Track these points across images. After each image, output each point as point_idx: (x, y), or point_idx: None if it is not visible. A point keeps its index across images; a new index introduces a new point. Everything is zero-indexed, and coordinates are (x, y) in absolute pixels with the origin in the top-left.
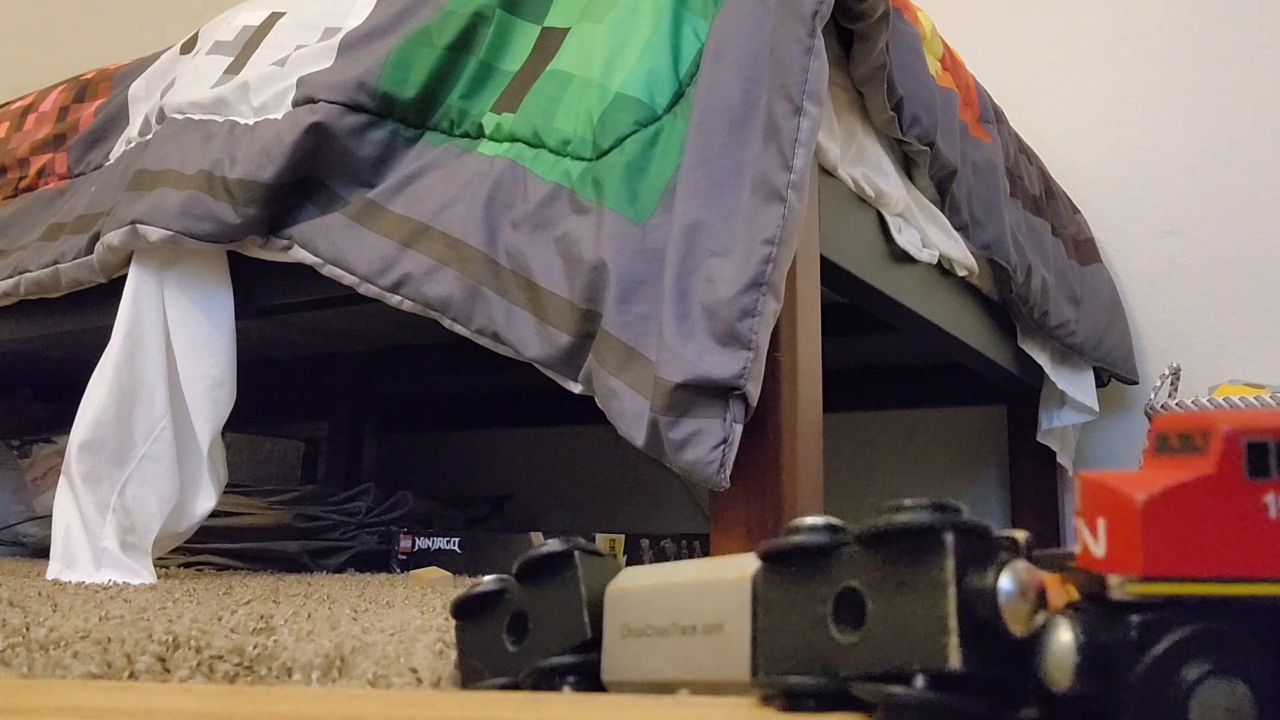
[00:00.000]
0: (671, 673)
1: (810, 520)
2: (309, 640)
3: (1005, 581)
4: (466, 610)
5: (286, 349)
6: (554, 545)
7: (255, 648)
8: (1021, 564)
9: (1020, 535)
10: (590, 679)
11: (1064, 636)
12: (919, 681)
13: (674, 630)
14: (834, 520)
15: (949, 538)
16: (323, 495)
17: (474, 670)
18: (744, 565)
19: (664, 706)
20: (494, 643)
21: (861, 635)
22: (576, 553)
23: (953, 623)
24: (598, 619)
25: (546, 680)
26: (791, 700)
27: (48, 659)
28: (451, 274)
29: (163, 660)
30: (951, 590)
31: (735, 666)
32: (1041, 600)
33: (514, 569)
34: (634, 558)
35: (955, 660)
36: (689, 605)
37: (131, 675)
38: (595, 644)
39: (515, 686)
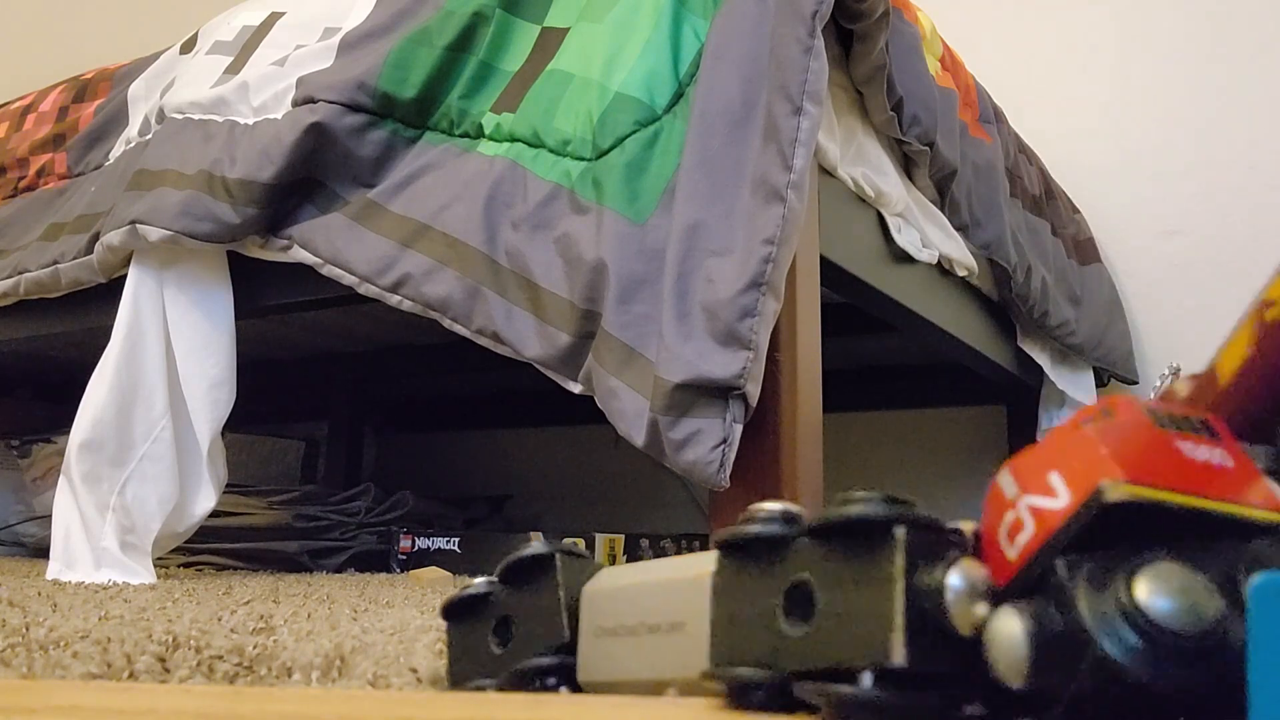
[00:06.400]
0: (640, 672)
1: (768, 507)
2: (309, 640)
3: (954, 578)
4: (456, 613)
5: (286, 349)
6: (535, 548)
7: (255, 648)
8: (971, 561)
9: (967, 527)
10: (569, 680)
11: (1012, 626)
12: (866, 679)
13: (642, 629)
14: (792, 508)
15: (900, 531)
16: (322, 495)
17: (463, 673)
18: (708, 563)
19: (663, 708)
20: (481, 645)
21: (810, 629)
22: (557, 555)
23: (899, 619)
24: (577, 621)
25: (526, 682)
26: (739, 694)
27: (48, 659)
28: (451, 274)
29: (162, 660)
30: (900, 585)
31: (698, 664)
32: (992, 598)
33: (497, 572)
34: (634, 558)
35: (899, 657)
36: (655, 604)
37: (131, 675)
38: (574, 646)
39: (498, 688)
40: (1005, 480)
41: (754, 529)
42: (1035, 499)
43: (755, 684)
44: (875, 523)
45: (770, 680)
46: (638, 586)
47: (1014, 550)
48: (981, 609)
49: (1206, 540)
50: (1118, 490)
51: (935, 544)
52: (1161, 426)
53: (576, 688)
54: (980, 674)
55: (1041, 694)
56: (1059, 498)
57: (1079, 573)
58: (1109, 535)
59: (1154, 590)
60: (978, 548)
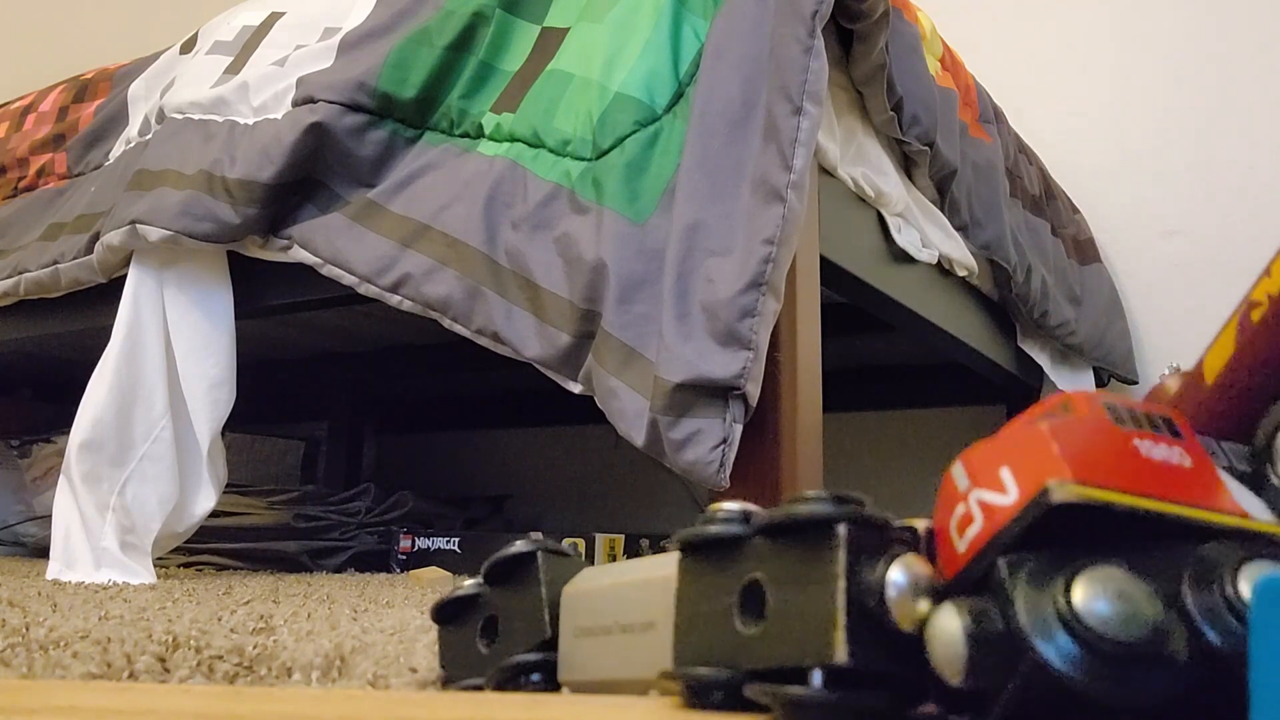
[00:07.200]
0: (615, 671)
1: (726, 507)
2: (309, 640)
3: (895, 574)
4: (445, 615)
5: (286, 349)
6: (519, 547)
7: (255, 648)
8: (913, 557)
9: (920, 524)
10: (552, 677)
11: (950, 624)
12: (816, 678)
13: (616, 629)
14: (750, 508)
15: (842, 530)
16: (322, 495)
17: (454, 674)
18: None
19: (662, 708)
20: (470, 646)
21: (761, 628)
22: (539, 553)
23: (841, 617)
24: (559, 618)
25: (510, 679)
26: (697, 693)
27: (48, 659)
28: (451, 274)
29: (162, 660)
30: (841, 583)
31: (666, 663)
32: (935, 594)
33: (482, 571)
34: (634, 557)
35: (842, 655)
36: (628, 604)
37: (131, 675)
38: (556, 642)
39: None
40: (958, 472)
41: (710, 529)
42: (985, 493)
43: (713, 683)
44: (820, 521)
45: (727, 679)
46: (613, 587)
47: (963, 544)
48: (924, 605)
49: (1157, 541)
50: (1063, 491)
51: (880, 541)
52: (1119, 424)
53: (556, 686)
54: (930, 672)
55: (983, 692)
56: (1008, 494)
57: (1020, 572)
58: (1060, 532)
59: (1092, 594)
60: (930, 544)
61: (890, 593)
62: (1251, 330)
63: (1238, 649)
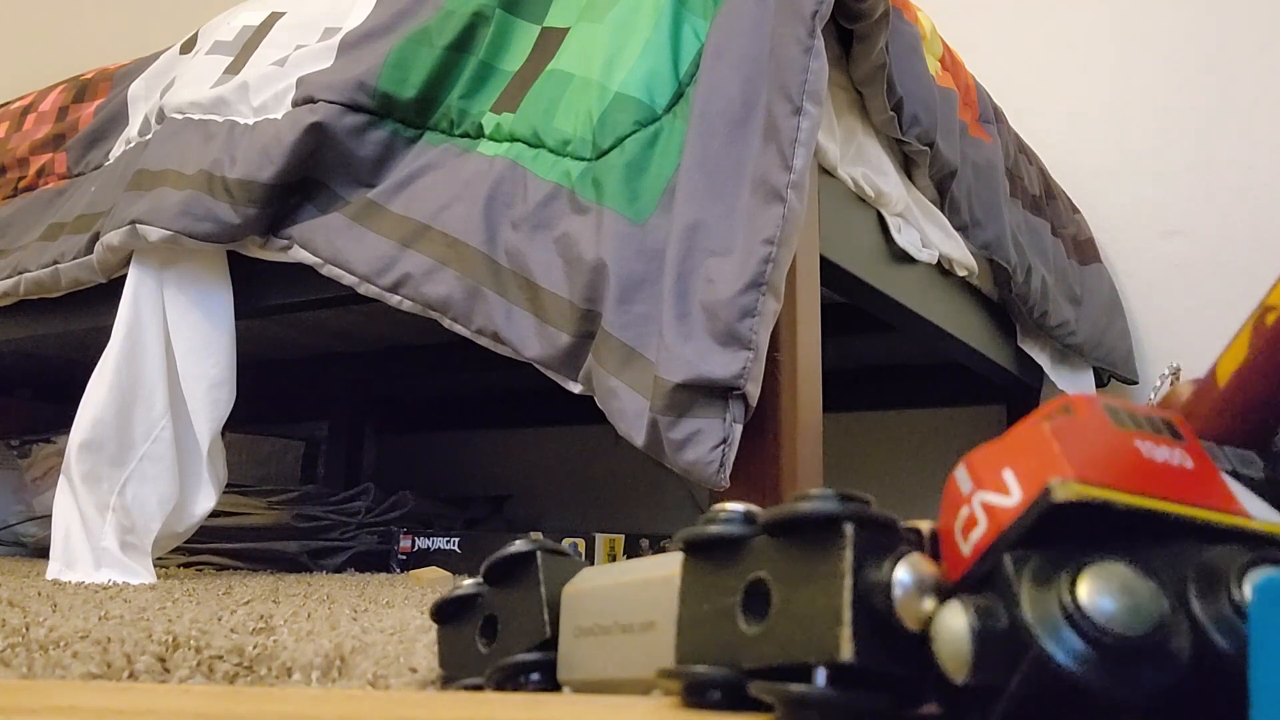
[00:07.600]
0: (614, 671)
1: (729, 507)
2: (309, 640)
3: (902, 574)
4: (445, 614)
5: (286, 349)
6: (518, 547)
7: (255, 648)
8: (919, 557)
9: (925, 526)
10: (551, 677)
11: (956, 621)
12: (819, 677)
13: (616, 629)
14: (753, 509)
15: (849, 528)
16: (322, 495)
17: (453, 674)
18: (678, 563)
19: (662, 708)
20: (469, 645)
21: (764, 627)
22: (539, 553)
23: (846, 614)
24: (559, 618)
25: (510, 679)
26: (695, 692)
27: (48, 659)
28: (451, 274)
29: (162, 660)
30: (848, 581)
31: (667, 663)
32: (941, 595)
33: (481, 571)
34: (634, 557)
35: (847, 653)
36: (628, 604)
37: (131, 675)
38: (556, 642)
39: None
40: (961, 475)
41: (714, 528)
42: (988, 495)
43: (712, 682)
44: (826, 519)
45: (727, 678)
46: (615, 587)
47: (968, 546)
48: (929, 604)
49: (1160, 541)
50: (1066, 489)
51: (886, 541)
52: (1120, 425)
53: (556, 686)
54: (933, 671)
55: (988, 689)
56: (1011, 495)
57: (1024, 569)
58: (1066, 532)
59: (1096, 590)
60: (935, 546)
61: (897, 592)
62: (1266, 335)
63: (1245, 653)
